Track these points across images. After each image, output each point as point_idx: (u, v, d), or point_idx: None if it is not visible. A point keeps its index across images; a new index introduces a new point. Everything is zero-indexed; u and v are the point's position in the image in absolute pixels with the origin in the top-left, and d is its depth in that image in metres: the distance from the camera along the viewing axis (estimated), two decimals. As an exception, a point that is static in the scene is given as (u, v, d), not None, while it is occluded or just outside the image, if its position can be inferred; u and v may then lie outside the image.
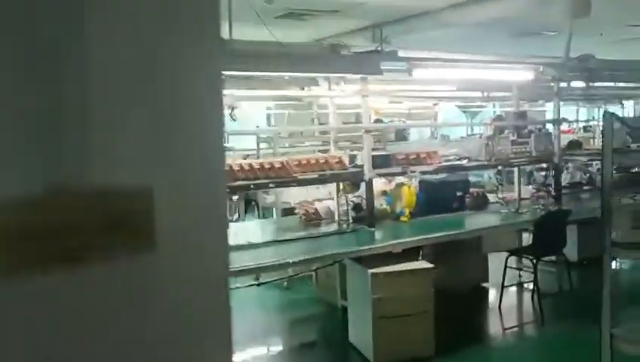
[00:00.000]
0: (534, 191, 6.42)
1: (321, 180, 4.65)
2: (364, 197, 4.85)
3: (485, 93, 6.04)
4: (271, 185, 4.33)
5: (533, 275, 5.17)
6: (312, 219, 5.17)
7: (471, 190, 5.81)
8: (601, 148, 6.79)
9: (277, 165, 4.46)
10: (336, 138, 5.32)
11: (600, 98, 7.49)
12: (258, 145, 6.85)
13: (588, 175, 7.21)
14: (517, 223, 5.02)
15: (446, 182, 5.33)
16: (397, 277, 4.10)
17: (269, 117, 9.05)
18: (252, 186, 4.23)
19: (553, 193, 5.75)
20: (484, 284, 5.92)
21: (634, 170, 7.31)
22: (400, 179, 5.36)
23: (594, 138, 9.53)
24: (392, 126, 6.36)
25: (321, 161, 4.78)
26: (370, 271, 4.06)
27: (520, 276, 5.81)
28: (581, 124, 11.74)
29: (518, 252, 5.15)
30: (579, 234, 5.77)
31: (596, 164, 6.93)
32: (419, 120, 5.68)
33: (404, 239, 4.33)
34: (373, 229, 4.73)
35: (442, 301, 4.26)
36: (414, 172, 5.06)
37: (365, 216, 4.81)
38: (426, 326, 4.15)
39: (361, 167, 4.80)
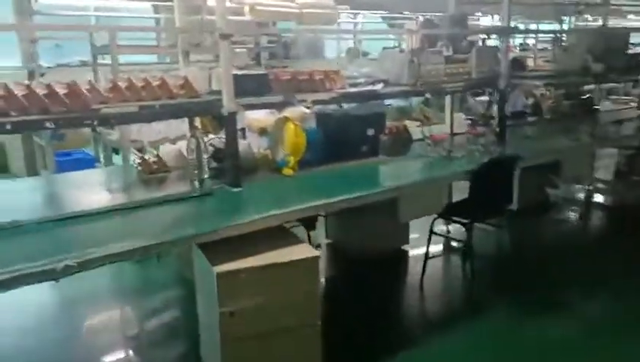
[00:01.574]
0: (470, 124, 4.96)
1: (146, 116, 2.89)
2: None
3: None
4: (48, 123, 2.53)
5: (465, 241, 3.81)
6: (154, 170, 3.45)
7: (388, 124, 4.25)
8: (550, 69, 5.39)
9: (69, 90, 2.64)
10: (186, 47, 3.49)
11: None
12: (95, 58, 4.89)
13: (533, 101, 5.84)
14: (448, 176, 3.52)
15: (352, 115, 3.71)
16: (260, 276, 2.52)
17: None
18: (9, 127, 2.41)
19: (497, 128, 4.28)
20: (405, 247, 4.53)
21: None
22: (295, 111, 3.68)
23: (535, 58, 8.15)
24: (262, 31, 4.38)
25: (156, 84, 3.00)
26: (217, 268, 2.46)
27: (449, 241, 4.44)
28: (517, 41, 10.29)
29: (447, 213, 3.70)
30: (520, 178, 4.36)
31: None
32: (317, 22, 4.02)
33: (273, 211, 2.71)
34: (237, 190, 3.09)
35: (346, 276, 3.46)
36: (304, 101, 3.38)
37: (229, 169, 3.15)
38: (309, 346, 2.66)
39: (218, 93, 3.07)
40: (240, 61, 4.27)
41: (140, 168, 3.44)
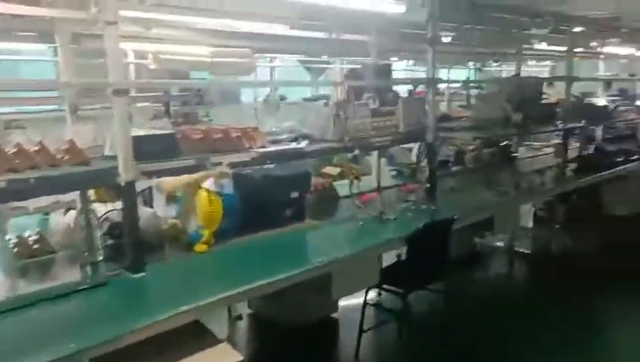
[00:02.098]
0: (396, 175, 4.74)
1: (17, 194, 2.30)
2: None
3: (333, 35, 4.05)
4: None
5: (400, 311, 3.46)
6: (35, 253, 2.80)
7: (314, 181, 3.89)
8: (470, 117, 5.31)
9: None
10: (77, 103, 2.93)
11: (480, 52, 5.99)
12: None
13: (455, 150, 5.74)
14: (384, 244, 3.16)
15: (274, 176, 3.29)
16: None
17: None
18: None
19: (427, 184, 4.04)
20: (335, 315, 4.13)
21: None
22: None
23: (448, 102, 8.23)
24: (160, 82, 3.66)
25: (33, 150, 2.44)
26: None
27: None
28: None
29: (382, 282, 3.34)
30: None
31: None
32: (232, 73, 3.61)
33: (184, 306, 2.20)
34: (139, 276, 2.54)
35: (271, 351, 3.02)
36: (219, 164, 2.93)
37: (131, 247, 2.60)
38: None
39: (113, 158, 2.54)
40: (143, 116, 3.75)
41: (16, 250, 2.79)
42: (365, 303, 3.52)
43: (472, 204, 3.98)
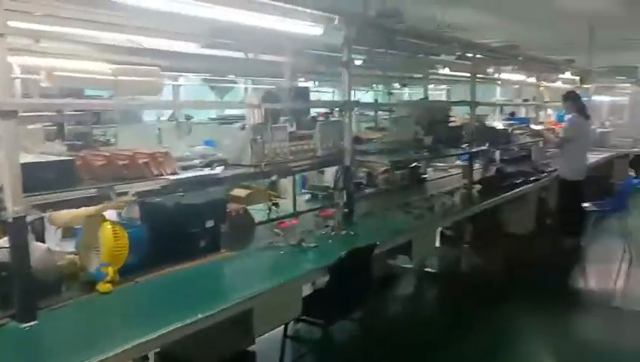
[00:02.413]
0: (314, 204, 4.66)
1: None
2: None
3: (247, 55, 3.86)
4: None
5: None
6: None
7: (230, 207, 3.68)
8: (388, 140, 5.37)
9: None
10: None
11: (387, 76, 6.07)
12: None
13: (367, 172, 5.76)
14: (306, 275, 3.01)
15: (186, 205, 3.04)
16: None
17: None
18: None
19: (345, 209, 3.97)
20: (252, 348, 3.89)
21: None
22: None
23: (357, 125, 8.32)
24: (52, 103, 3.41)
25: None
26: None
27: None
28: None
29: (303, 314, 3.18)
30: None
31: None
32: (138, 92, 3.30)
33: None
34: (30, 325, 2.19)
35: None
36: (125, 194, 2.64)
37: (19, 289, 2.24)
38: None
39: (-1, 190, 2.19)
40: (33, 140, 3.33)
41: None
42: (285, 335, 3.34)
43: (390, 228, 3.96)
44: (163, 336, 2.18)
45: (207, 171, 3.16)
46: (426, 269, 5.65)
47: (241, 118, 6.73)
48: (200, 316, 2.33)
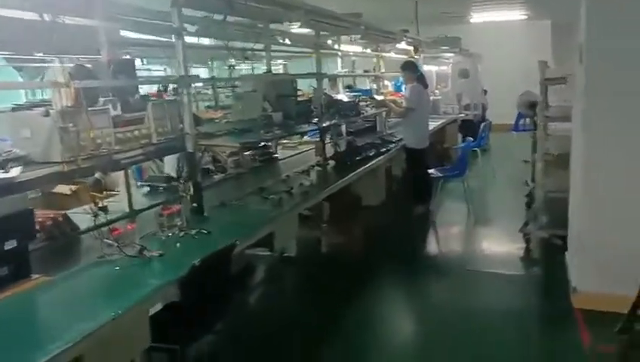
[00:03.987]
0: (153, 198, 3.98)
1: None
2: None
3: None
4: None
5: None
6: None
7: (40, 216, 2.88)
8: (234, 119, 4.80)
9: None
10: None
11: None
12: None
13: (211, 156, 5.16)
14: (151, 296, 2.37)
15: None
16: None
17: None
18: None
19: (193, 203, 3.37)
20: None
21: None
22: None
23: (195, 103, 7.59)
24: None
25: None
26: None
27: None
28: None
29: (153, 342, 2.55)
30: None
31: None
32: None
33: None
34: None
35: None
36: None
37: None
38: None
39: None
40: None
41: None
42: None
43: (249, 220, 3.46)
44: None
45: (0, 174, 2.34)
46: (286, 255, 5.27)
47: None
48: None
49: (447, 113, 10.34)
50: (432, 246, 5.91)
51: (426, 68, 10.00)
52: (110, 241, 2.78)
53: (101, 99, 2.92)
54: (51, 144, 2.58)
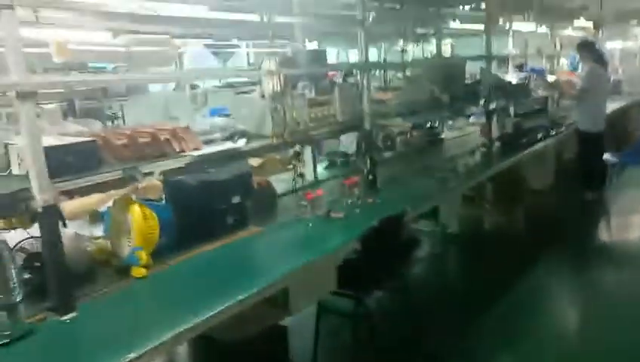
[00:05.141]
0: (332, 172, 4.52)
1: None
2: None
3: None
4: None
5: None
6: None
7: (255, 180, 3.58)
8: (403, 101, 5.21)
9: None
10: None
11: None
12: None
13: (384, 135, 5.61)
14: (338, 248, 2.92)
15: (211, 181, 2.94)
16: None
17: None
18: None
19: (369, 176, 3.87)
20: (283, 322, 3.85)
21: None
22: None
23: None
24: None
25: None
26: None
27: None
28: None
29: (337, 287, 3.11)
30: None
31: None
32: (150, 64, 3.16)
33: (131, 353, 1.84)
34: (70, 318, 2.13)
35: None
36: (151, 174, 2.54)
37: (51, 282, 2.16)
38: None
39: (24, 177, 2.10)
40: (50, 120, 3.21)
41: None
42: (320, 307, 3.29)
43: (416, 194, 3.86)
44: (208, 320, 2.12)
45: (230, 145, 3.04)
46: (449, 231, 5.56)
47: (246, 84, 6.55)
48: (241, 297, 2.25)
49: (631, 94, 9.52)
50: (604, 234, 5.70)
51: (608, 45, 9.32)
52: (304, 203, 3.39)
53: (300, 84, 3.52)
54: (264, 121, 3.23)
